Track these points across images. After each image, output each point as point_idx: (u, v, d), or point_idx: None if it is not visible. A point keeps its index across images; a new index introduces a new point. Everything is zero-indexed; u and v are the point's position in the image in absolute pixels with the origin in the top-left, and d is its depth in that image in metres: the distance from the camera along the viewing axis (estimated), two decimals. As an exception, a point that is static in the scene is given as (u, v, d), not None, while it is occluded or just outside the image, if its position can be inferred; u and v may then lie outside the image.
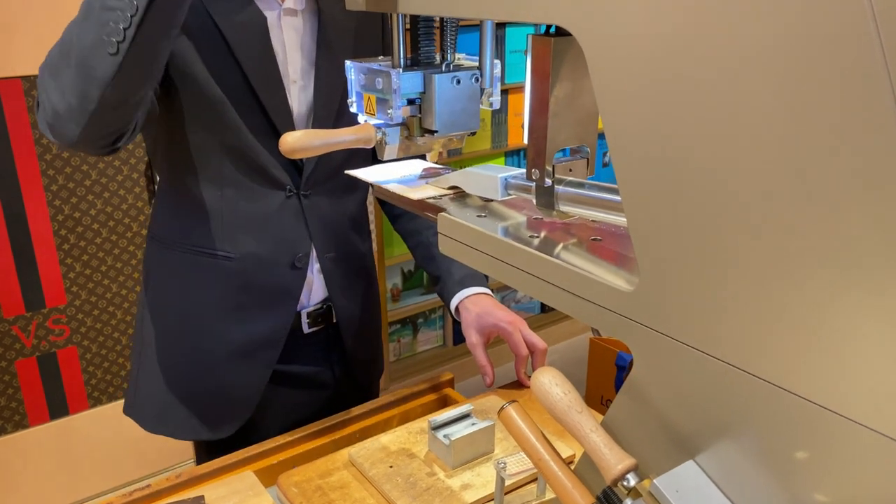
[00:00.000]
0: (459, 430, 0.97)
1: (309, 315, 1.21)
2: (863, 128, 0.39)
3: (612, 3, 0.50)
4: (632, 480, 0.55)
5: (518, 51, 2.75)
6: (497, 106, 0.82)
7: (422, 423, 1.07)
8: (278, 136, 1.07)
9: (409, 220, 1.30)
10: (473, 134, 0.82)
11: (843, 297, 0.43)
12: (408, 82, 0.75)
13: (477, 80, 0.78)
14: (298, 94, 1.12)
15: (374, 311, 1.34)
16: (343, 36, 1.14)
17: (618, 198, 0.61)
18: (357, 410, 1.17)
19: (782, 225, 0.44)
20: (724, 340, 0.50)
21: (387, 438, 1.04)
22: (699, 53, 0.46)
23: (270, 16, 1.07)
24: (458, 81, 0.77)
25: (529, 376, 1.19)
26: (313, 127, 1.12)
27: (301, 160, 1.11)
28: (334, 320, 1.23)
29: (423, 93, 0.77)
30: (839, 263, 0.42)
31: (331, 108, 1.14)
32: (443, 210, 0.79)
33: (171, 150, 1.12)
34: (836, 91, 0.40)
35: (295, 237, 1.15)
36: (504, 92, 2.88)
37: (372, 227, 2.54)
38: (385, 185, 0.89)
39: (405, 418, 1.19)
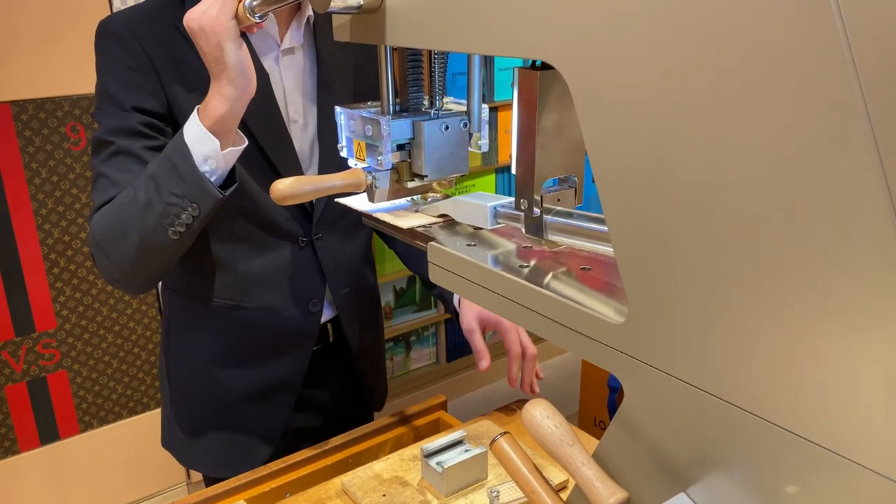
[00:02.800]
0: (452, 458, 0.97)
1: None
2: (840, 167, 0.39)
3: (595, 38, 0.51)
4: (624, 514, 0.55)
5: (507, 68, 2.76)
6: (486, 149, 0.83)
7: (414, 450, 1.06)
8: None
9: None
10: (463, 176, 0.84)
11: (831, 332, 0.43)
12: (397, 129, 0.76)
13: (465, 125, 0.79)
14: (300, 133, 1.13)
15: (381, 335, 1.37)
16: (343, 72, 1.15)
17: (605, 228, 0.61)
18: (350, 436, 1.17)
19: (768, 259, 0.45)
20: (712, 373, 0.50)
21: (380, 466, 1.03)
22: (684, 86, 0.46)
23: (269, 59, 1.08)
24: (447, 128, 0.78)
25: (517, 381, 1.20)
26: (320, 168, 1.14)
27: (311, 206, 1.13)
28: (331, 339, 1.24)
29: (413, 139, 0.78)
30: (826, 299, 0.42)
31: (335, 144, 1.13)
32: (433, 239, 0.79)
33: None
34: (821, 138, 0.40)
35: (309, 285, 1.17)
36: (494, 109, 2.90)
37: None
38: (374, 213, 0.89)
39: (398, 443, 1.18)
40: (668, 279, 0.51)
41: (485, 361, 1.17)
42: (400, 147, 0.78)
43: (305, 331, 1.19)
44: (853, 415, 0.43)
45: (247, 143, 0.94)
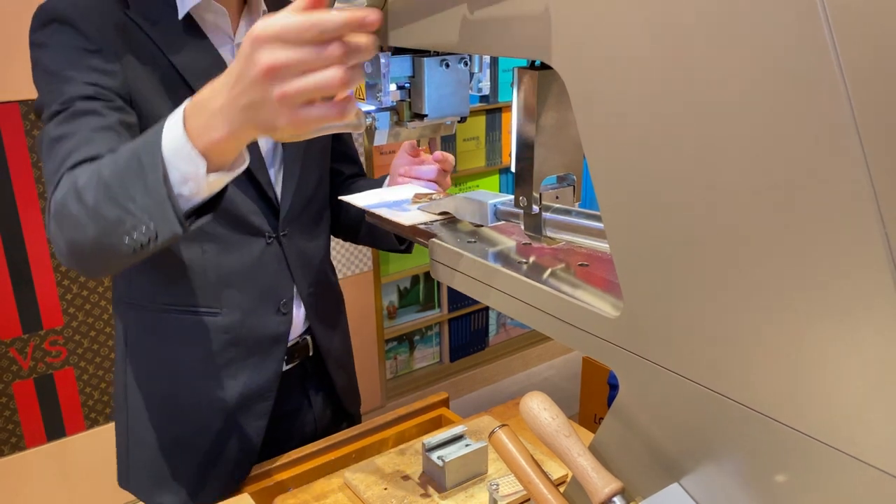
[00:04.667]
0: (453, 452, 0.98)
1: (286, 351, 1.17)
2: (834, 169, 0.41)
3: (592, 39, 0.52)
4: (618, 503, 0.56)
5: (510, 70, 2.77)
6: (487, 91, 0.81)
7: (416, 445, 1.07)
8: (254, 180, 1.05)
9: (345, 213, 1.27)
10: (463, 120, 0.82)
11: (821, 325, 0.44)
12: (397, 66, 0.75)
13: (466, 63, 0.78)
14: None
15: (348, 340, 1.32)
16: None
17: (602, 225, 0.62)
18: (352, 431, 1.18)
19: (762, 254, 0.46)
20: (705, 366, 0.52)
21: (381, 460, 1.05)
22: (678, 88, 0.47)
23: (225, 54, 1.03)
24: (447, 65, 0.76)
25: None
26: (284, 164, 1.09)
27: (278, 201, 1.09)
28: (310, 353, 1.20)
29: (413, 77, 0.77)
30: (816, 292, 0.44)
31: (298, 142, 1.08)
32: (434, 236, 0.80)
33: None
34: (809, 134, 0.41)
35: (279, 283, 1.12)
36: (498, 110, 2.91)
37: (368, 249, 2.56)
38: (376, 210, 0.91)
39: (400, 439, 1.19)
40: (663, 274, 0.53)
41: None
42: (400, 88, 0.77)
43: (278, 334, 1.13)
44: (844, 406, 0.44)
45: (247, 164, 0.75)
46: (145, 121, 0.98)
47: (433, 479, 0.99)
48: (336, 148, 1.26)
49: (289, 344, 1.17)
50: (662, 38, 0.47)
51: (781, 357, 0.47)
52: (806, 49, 0.40)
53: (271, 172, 1.10)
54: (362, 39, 0.59)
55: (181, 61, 0.98)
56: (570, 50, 0.54)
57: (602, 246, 0.65)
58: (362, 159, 2.52)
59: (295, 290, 1.15)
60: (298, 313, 1.17)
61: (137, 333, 1.14)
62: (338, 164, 1.27)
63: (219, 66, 1.00)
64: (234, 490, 1.06)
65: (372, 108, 0.79)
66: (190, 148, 0.69)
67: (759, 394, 0.49)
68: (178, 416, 1.13)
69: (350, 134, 1.31)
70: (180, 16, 0.98)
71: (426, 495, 0.97)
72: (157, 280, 1.09)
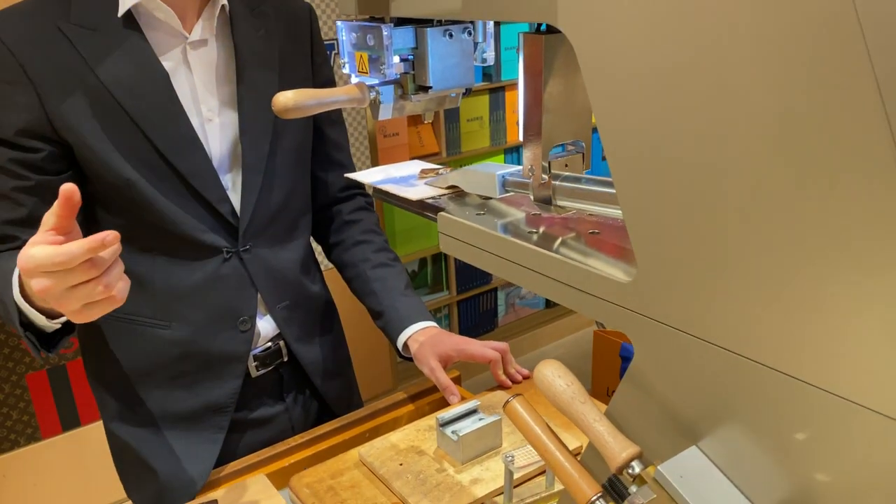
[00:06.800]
0: (467, 426, 0.98)
1: (256, 358, 1.13)
2: (850, 121, 0.40)
3: (600, 1, 0.51)
4: (636, 468, 0.56)
5: (512, 48, 2.76)
6: (491, 62, 0.80)
7: (430, 421, 1.08)
8: (203, 199, 1.00)
9: (344, 250, 1.24)
10: (468, 93, 0.81)
11: (837, 280, 0.44)
12: (399, 37, 0.74)
13: (469, 33, 0.76)
14: (218, 132, 1.03)
15: (339, 347, 1.28)
16: (265, 63, 1.05)
17: (614, 191, 0.62)
18: (366, 411, 1.18)
19: (775, 211, 0.45)
20: (720, 327, 0.51)
21: (396, 437, 1.05)
22: (689, 46, 0.47)
23: (173, 55, 0.98)
24: (451, 35, 0.75)
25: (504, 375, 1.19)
26: (244, 174, 1.04)
27: (236, 218, 1.04)
28: (284, 359, 1.17)
29: (416, 49, 0.75)
30: (832, 247, 0.43)
31: (261, 145, 1.05)
32: (442, 209, 0.80)
33: (94, 223, 1.03)
34: (824, 87, 0.41)
35: (239, 300, 1.07)
36: (501, 89, 2.90)
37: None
38: (383, 186, 0.90)
39: (414, 416, 1.20)
40: (676, 236, 0.52)
41: (455, 396, 1.14)
42: (403, 60, 0.76)
43: (236, 352, 1.08)
44: (861, 361, 0.44)
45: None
46: (79, 149, 0.96)
47: (448, 453, 1.00)
48: (329, 154, 1.20)
49: (259, 352, 1.13)
50: (671, -7, 0.46)
51: (797, 313, 0.46)
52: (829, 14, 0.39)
53: (227, 185, 1.04)
54: (106, 254, 0.72)
55: (111, 77, 0.94)
56: (577, 11, 0.53)
57: (613, 212, 0.65)
58: (365, 142, 2.51)
59: (260, 306, 1.10)
60: (266, 327, 1.13)
61: (91, 337, 1.11)
62: (324, 172, 1.21)
63: (152, 76, 0.96)
64: (189, 499, 1.03)
65: (375, 81, 0.78)
66: (22, 301, 0.83)
67: (775, 351, 0.48)
68: (131, 424, 1.11)
69: (346, 138, 1.26)
70: (120, 13, 0.93)
71: (441, 470, 0.97)
72: None
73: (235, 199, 1.05)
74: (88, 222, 1.03)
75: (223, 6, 1.01)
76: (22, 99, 0.92)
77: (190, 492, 1.05)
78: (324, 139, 1.20)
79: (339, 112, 1.23)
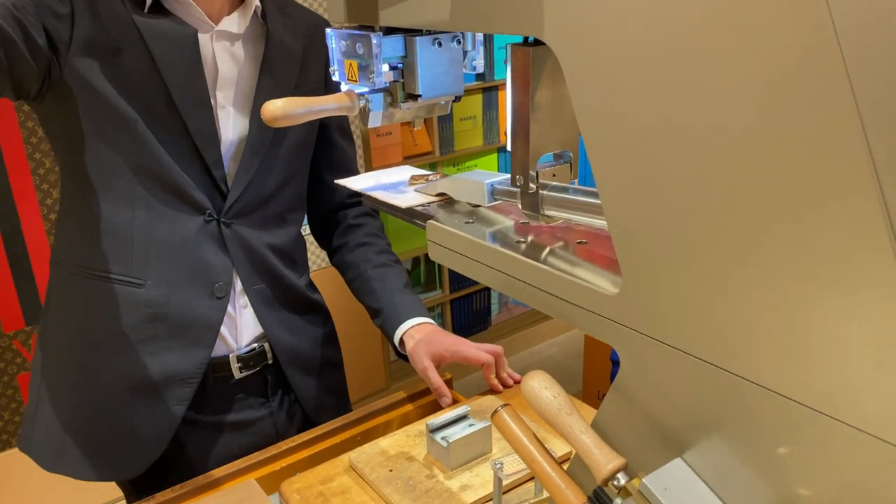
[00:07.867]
0: (457, 432, 0.98)
1: (240, 359, 1.13)
2: (829, 141, 0.40)
3: (585, 14, 0.51)
4: (622, 479, 0.56)
5: (505, 47, 2.75)
6: (481, 70, 0.81)
7: (420, 426, 1.08)
8: (201, 158, 1.03)
9: (347, 252, 1.26)
10: (458, 99, 0.81)
11: (819, 297, 0.44)
12: (389, 46, 0.74)
13: (459, 42, 0.77)
14: (228, 121, 1.07)
15: (326, 345, 1.26)
16: (288, 64, 1.10)
17: (600, 201, 0.62)
18: (357, 414, 1.18)
19: (757, 227, 0.45)
20: (704, 341, 0.52)
21: (386, 442, 1.05)
22: (672, 61, 0.47)
23: (203, 37, 1.02)
24: (440, 44, 0.75)
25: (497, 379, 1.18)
26: (245, 155, 1.08)
27: (227, 187, 1.07)
28: (269, 361, 1.16)
29: (405, 57, 0.76)
30: (814, 264, 0.43)
31: (267, 131, 1.09)
32: (431, 217, 0.80)
33: (74, 168, 1.03)
34: (805, 109, 0.41)
35: (215, 265, 1.08)
36: (494, 88, 2.90)
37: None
38: (373, 193, 0.90)
39: (405, 420, 1.20)
40: (662, 249, 0.52)
41: (446, 398, 1.14)
42: (392, 68, 0.76)
43: (208, 319, 1.08)
44: (843, 378, 0.44)
45: None
46: (81, 88, 0.97)
47: (438, 459, 1.00)
48: (337, 160, 1.23)
49: (242, 352, 1.13)
50: (656, 9, 0.46)
51: (782, 330, 0.46)
52: (806, 22, 0.39)
53: (226, 157, 1.07)
54: None
55: (145, 22, 0.98)
56: (562, 25, 0.53)
57: (600, 223, 0.65)
58: (358, 142, 2.51)
59: (237, 280, 1.10)
60: (247, 314, 1.13)
61: (59, 295, 1.11)
62: (332, 177, 1.21)
63: (191, 43, 1.00)
64: (135, 473, 1.03)
65: (365, 89, 0.78)
66: None
67: (760, 367, 0.49)
68: (91, 387, 1.09)
69: (354, 148, 1.28)
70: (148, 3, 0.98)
71: (431, 476, 0.97)
72: (77, 239, 1.06)
73: (229, 172, 1.08)
74: (70, 157, 1.03)
75: (256, 8, 1.06)
76: (60, 9, 0.94)
77: (147, 457, 1.07)
78: (334, 146, 1.23)
79: (347, 121, 1.26)
